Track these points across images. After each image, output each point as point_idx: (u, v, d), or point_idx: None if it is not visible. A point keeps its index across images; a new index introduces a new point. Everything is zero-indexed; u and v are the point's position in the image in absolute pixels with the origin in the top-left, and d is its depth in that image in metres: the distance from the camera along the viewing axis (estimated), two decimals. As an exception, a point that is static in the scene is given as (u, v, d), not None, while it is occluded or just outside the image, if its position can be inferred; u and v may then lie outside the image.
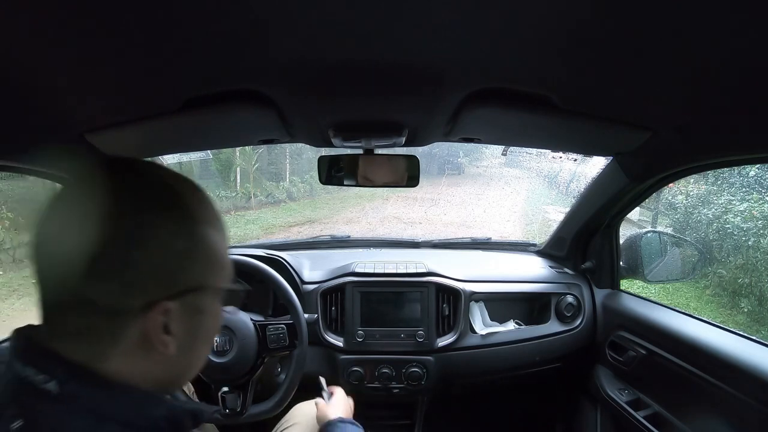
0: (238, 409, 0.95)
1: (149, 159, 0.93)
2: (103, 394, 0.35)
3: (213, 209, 0.43)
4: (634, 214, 4.20)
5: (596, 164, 1.18)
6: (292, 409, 1.00)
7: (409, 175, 0.98)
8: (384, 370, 1.18)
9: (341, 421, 0.82)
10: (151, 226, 0.36)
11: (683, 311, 1.07)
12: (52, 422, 0.34)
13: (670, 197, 4.36)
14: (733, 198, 3.63)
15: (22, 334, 0.38)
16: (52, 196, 0.38)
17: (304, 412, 0.99)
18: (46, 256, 0.36)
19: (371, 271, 1.23)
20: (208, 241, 0.40)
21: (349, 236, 1.64)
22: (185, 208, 0.39)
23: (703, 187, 4.05)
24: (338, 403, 0.89)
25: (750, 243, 3.36)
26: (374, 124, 0.82)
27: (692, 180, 4.03)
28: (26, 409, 0.34)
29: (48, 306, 0.37)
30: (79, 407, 0.34)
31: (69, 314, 0.35)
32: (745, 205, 3.49)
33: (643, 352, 1.05)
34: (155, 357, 0.38)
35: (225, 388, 0.96)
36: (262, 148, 7.60)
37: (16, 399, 0.35)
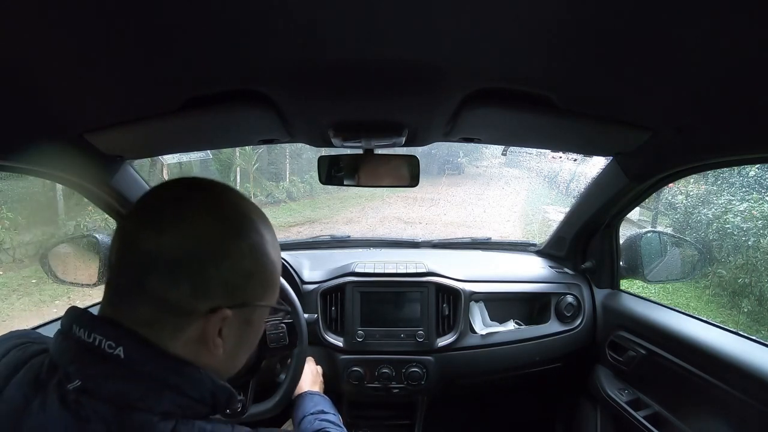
0: (239, 409, 0.95)
1: (152, 158, 0.93)
2: (167, 364, 0.40)
3: (274, 233, 0.49)
4: (634, 214, 4.20)
5: (596, 164, 1.18)
6: None
7: (409, 175, 0.98)
8: (384, 370, 1.18)
9: (310, 392, 0.94)
10: (229, 248, 0.42)
11: (683, 311, 1.07)
12: (112, 385, 0.38)
13: (670, 197, 4.36)
14: (733, 198, 3.63)
15: (79, 310, 0.42)
16: (155, 200, 0.44)
17: None
18: (134, 253, 0.40)
19: (371, 271, 1.23)
20: (270, 265, 0.46)
21: (349, 236, 1.64)
22: (258, 235, 0.45)
23: (703, 187, 4.05)
24: (307, 376, 1.00)
25: (750, 243, 3.36)
26: (374, 124, 0.82)
27: (692, 180, 4.03)
28: (87, 371, 0.38)
29: (121, 294, 0.41)
30: (144, 374, 0.39)
31: (141, 305, 0.40)
32: (745, 205, 3.49)
33: (643, 352, 1.05)
34: (206, 354, 0.43)
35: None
36: (262, 148, 7.60)
37: (77, 361, 0.38)
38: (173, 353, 0.41)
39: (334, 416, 0.86)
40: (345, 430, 0.84)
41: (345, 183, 1.00)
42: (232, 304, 0.42)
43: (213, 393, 0.43)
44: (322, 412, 0.87)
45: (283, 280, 1.04)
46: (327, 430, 0.81)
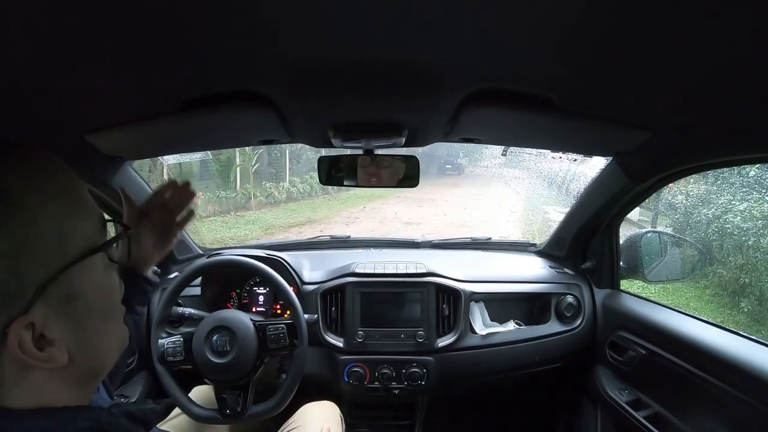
0: (239, 410, 0.95)
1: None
2: (20, 426, 0.32)
3: (33, 175, 0.33)
4: (634, 214, 4.20)
5: (596, 164, 1.18)
6: (299, 410, 1.00)
7: (408, 175, 0.98)
8: (384, 371, 1.18)
9: None
10: None
11: (683, 311, 1.07)
12: None
13: (670, 197, 4.36)
14: (733, 198, 3.63)
15: None
16: None
17: (311, 413, 0.99)
18: None
19: (371, 271, 1.22)
20: (29, 219, 0.31)
21: (349, 236, 1.64)
22: None
23: (703, 187, 4.05)
24: None
25: (750, 243, 3.36)
26: (374, 125, 0.82)
27: (692, 180, 4.03)
28: None
29: None
30: None
31: None
32: (745, 204, 3.49)
33: (643, 352, 1.05)
34: (54, 373, 0.33)
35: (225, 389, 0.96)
36: (262, 149, 7.61)
37: None
38: (23, 407, 0.32)
39: None
40: None
41: (345, 183, 1.00)
42: (23, 308, 0.30)
43: (95, 428, 0.34)
44: None
45: (282, 280, 1.04)
46: None
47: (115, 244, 0.40)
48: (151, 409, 0.40)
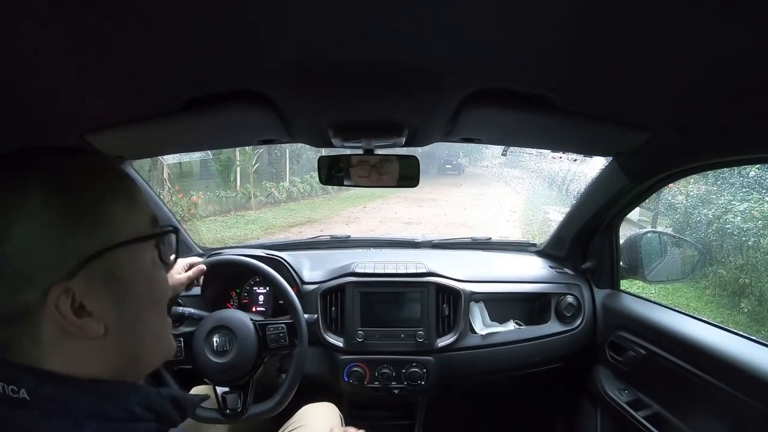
0: (239, 410, 0.95)
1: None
2: (75, 392, 0.34)
3: (95, 172, 0.38)
4: (634, 214, 4.20)
5: (596, 164, 1.18)
6: (300, 411, 1.00)
7: (408, 175, 0.98)
8: (384, 371, 1.18)
9: None
10: (3, 215, 0.33)
11: (683, 311, 1.07)
12: (25, 430, 0.33)
13: (670, 197, 4.36)
14: (733, 198, 3.63)
15: None
16: None
17: (311, 413, 0.99)
18: None
19: (371, 271, 1.22)
20: (85, 202, 0.36)
21: (349, 236, 1.64)
22: (36, 179, 0.35)
23: (703, 187, 4.05)
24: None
25: (750, 243, 3.36)
26: (374, 125, 0.82)
27: (692, 180, 4.03)
28: None
29: None
30: (54, 410, 0.33)
31: None
32: (745, 205, 3.49)
33: (643, 352, 1.05)
34: (92, 345, 0.36)
35: (225, 389, 0.96)
36: (262, 148, 7.61)
37: None
38: (63, 372, 0.34)
39: None
40: None
41: (345, 183, 1.00)
42: (64, 274, 0.34)
43: (145, 405, 0.37)
44: None
45: (282, 280, 1.04)
46: None
47: (162, 243, 0.43)
48: (191, 398, 0.42)
